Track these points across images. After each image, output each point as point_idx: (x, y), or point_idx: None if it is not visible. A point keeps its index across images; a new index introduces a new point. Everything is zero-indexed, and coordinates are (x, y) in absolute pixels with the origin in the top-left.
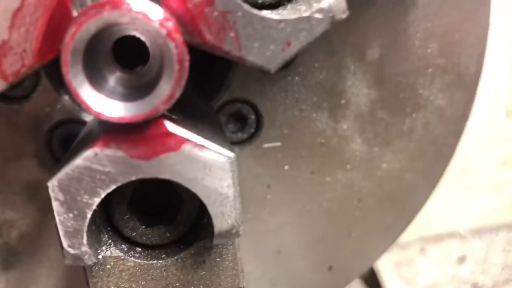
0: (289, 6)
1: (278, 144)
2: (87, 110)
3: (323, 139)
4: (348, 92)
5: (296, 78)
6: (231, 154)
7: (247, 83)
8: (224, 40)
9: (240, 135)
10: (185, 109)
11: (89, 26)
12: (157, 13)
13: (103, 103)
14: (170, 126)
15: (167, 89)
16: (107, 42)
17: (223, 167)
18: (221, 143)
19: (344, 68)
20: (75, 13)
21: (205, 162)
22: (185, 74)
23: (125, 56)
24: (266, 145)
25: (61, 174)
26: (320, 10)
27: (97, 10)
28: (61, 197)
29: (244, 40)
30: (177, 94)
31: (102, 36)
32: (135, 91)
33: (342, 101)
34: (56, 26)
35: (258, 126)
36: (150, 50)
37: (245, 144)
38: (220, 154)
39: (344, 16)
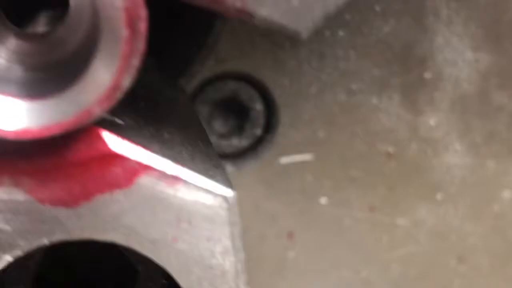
0: None
1: (307, 157)
2: None
3: (392, 146)
4: (437, 58)
5: (341, 32)
6: (229, 192)
7: (247, 43)
8: None
9: (237, 142)
10: (138, 103)
11: None
12: None
13: None
14: (114, 141)
15: (107, 75)
16: None
17: (214, 216)
18: (207, 168)
19: (430, 13)
20: None
21: (180, 209)
22: (141, 45)
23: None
24: (285, 160)
25: None
26: None
27: None
28: None
29: None
30: (126, 82)
31: None
32: (46, 75)
33: (427, 75)
34: None
35: (270, 124)
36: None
37: (246, 159)
38: (209, 192)
39: None
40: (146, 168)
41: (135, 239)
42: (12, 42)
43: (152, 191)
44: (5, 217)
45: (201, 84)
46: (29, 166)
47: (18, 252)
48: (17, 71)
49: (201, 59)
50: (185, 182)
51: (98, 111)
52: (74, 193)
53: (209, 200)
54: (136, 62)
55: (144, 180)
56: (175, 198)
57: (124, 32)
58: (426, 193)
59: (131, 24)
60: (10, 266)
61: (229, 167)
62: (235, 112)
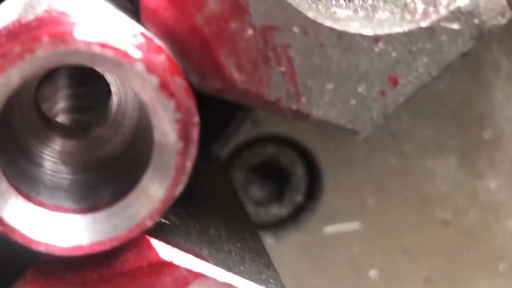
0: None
1: (354, 226)
2: (10, 235)
3: (449, 213)
4: (497, 116)
5: None
6: None
7: None
8: (267, 82)
9: (276, 209)
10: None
11: (10, 77)
12: (136, 44)
13: (40, 220)
14: (163, 248)
15: (161, 189)
16: (30, 85)
17: None
18: (258, 269)
19: (489, 67)
20: None
21: None
22: (194, 151)
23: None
24: (329, 230)
25: None
26: (456, 13)
27: (24, 46)
28: None
29: (305, 79)
30: (178, 192)
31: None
32: (94, 180)
33: (486, 134)
34: None
35: (313, 191)
36: (115, 95)
37: (286, 228)
38: None
39: (503, 20)
40: (197, 276)
41: None
42: (57, 142)
43: None
44: None
45: (237, 148)
46: (77, 278)
47: None
48: (65, 174)
49: (236, 121)
50: None
51: (150, 224)
52: None
53: None
54: (189, 170)
55: None
56: None
57: (179, 144)
58: (487, 263)
59: (185, 135)
60: None
61: (268, 238)
62: (274, 177)
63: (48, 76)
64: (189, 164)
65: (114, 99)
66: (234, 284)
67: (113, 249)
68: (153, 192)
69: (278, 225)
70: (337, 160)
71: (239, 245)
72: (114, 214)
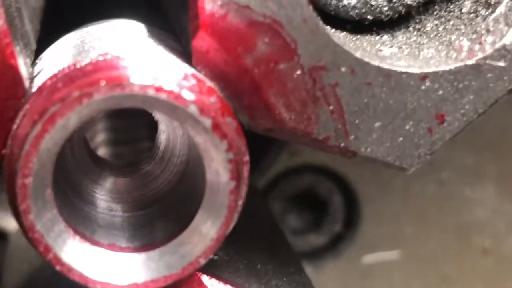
0: (428, 33)
1: (393, 255)
2: (67, 275)
3: (489, 241)
4: None
5: None
6: None
7: None
8: (316, 121)
9: (314, 239)
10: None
11: (68, 121)
12: (189, 86)
13: (96, 259)
14: (214, 285)
15: (213, 228)
16: (82, 128)
17: None
18: None
19: None
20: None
21: None
22: (245, 189)
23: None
24: (368, 259)
25: None
26: (501, 51)
27: (82, 90)
28: None
29: (353, 118)
30: (230, 229)
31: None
32: (146, 218)
33: None
34: None
35: (351, 220)
36: (163, 133)
37: (324, 258)
38: None
39: None
40: None
41: None
42: (107, 180)
43: None
44: None
45: (274, 178)
46: None
47: None
48: (117, 212)
49: (273, 152)
50: None
51: (203, 262)
52: None
53: None
54: (240, 208)
55: None
56: None
57: (231, 184)
58: None
59: (237, 174)
60: None
61: (306, 267)
62: (312, 206)
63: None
64: (240, 203)
65: (162, 136)
66: None
67: (165, 286)
68: (205, 231)
69: (316, 255)
70: (375, 189)
71: (286, 279)
72: (168, 253)
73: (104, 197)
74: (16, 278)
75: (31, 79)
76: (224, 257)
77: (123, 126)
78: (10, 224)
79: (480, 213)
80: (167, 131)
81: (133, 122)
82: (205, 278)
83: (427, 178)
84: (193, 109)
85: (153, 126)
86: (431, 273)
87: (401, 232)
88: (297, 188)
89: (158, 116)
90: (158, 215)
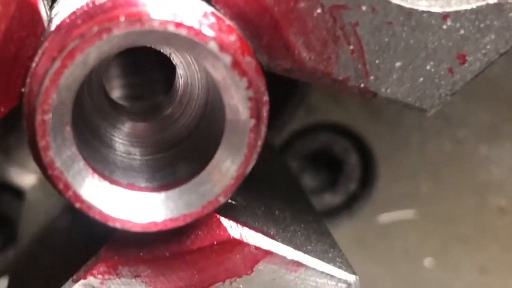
0: None
1: (409, 214)
2: (87, 212)
3: (505, 200)
4: None
5: None
6: (351, 277)
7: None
8: (336, 61)
9: (330, 198)
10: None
11: (88, 56)
12: (209, 24)
13: (115, 197)
14: (233, 226)
15: (233, 166)
16: (99, 69)
17: None
18: (325, 249)
19: None
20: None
21: None
22: (264, 130)
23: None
24: (384, 218)
25: None
26: None
27: (101, 26)
28: None
29: (373, 57)
30: (249, 169)
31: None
32: (165, 160)
33: None
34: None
35: (367, 179)
36: (181, 77)
37: (340, 217)
38: (331, 277)
39: None
40: (266, 253)
41: None
42: (126, 125)
43: (272, 278)
44: None
45: (290, 136)
46: (148, 255)
47: None
48: (136, 155)
49: (290, 109)
50: (306, 267)
51: (223, 201)
52: (194, 283)
53: (332, 285)
54: (259, 148)
55: (264, 266)
56: (297, 285)
57: (251, 122)
58: None
59: (257, 113)
60: None
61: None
62: (328, 165)
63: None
64: (260, 142)
65: (180, 81)
66: (303, 262)
67: (184, 228)
68: (225, 169)
69: (331, 214)
70: (391, 147)
71: (303, 226)
72: (187, 192)
73: (122, 141)
74: (32, 228)
75: (49, 20)
76: (243, 202)
77: (138, 83)
78: (26, 180)
79: (497, 172)
80: (185, 75)
81: (148, 78)
82: (224, 220)
83: (444, 137)
84: (213, 45)
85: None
86: (447, 233)
87: (417, 191)
88: (313, 147)
89: (176, 60)
90: (177, 157)
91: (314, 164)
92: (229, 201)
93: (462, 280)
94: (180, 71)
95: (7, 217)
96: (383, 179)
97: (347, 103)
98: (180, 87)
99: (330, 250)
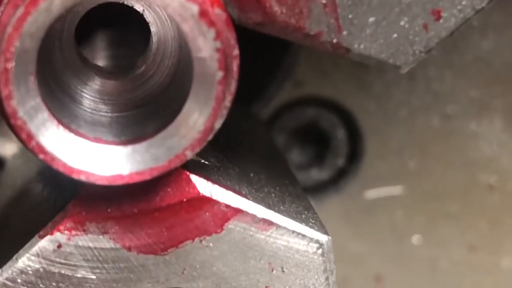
0: None
1: (397, 190)
2: (51, 164)
3: (494, 177)
4: None
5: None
6: (323, 237)
7: (329, 64)
8: (308, 15)
9: (316, 173)
10: (218, 139)
11: (52, 3)
12: None
13: (80, 149)
14: (203, 184)
15: (201, 118)
16: (70, 24)
17: (309, 263)
18: (298, 211)
19: None
20: None
21: (272, 255)
22: (234, 85)
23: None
24: (371, 194)
25: None
26: None
27: None
28: None
29: (346, 12)
30: (218, 124)
31: (62, 14)
32: (133, 116)
33: None
34: None
35: (354, 154)
36: (155, 35)
37: (327, 193)
38: (302, 236)
39: None
40: (237, 211)
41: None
42: (96, 82)
43: (243, 237)
44: (91, 265)
45: (277, 110)
46: (116, 212)
47: None
48: (105, 112)
49: (276, 82)
50: (277, 226)
51: (190, 155)
52: (162, 240)
53: (303, 245)
54: (228, 103)
55: (234, 225)
56: (267, 244)
57: (219, 74)
58: None
59: (225, 65)
60: None
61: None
62: (315, 140)
63: (87, 36)
64: (229, 97)
65: (154, 39)
66: (274, 220)
67: (152, 184)
68: (193, 123)
69: (318, 189)
70: (379, 123)
71: (278, 188)
72: (154, 145)
73: (92, 98)
74: (9, 192)
75: None
76: (216, 163)
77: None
78: (8, 150)
79: (486, 149)
80: (158, 33)
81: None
82: (193, 177)
83: (432, 112)
84: (190, 7)
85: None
86: (435, 210)
87: (404, 167)
88: (300, 121)
89: (149, 17)
90: (147, 114)
91: (301, 139)
92: (202, 161)
93: (451, 258)
94: (153, 29)
95: None
96: (370, 155)
97: (335, 77)
98: (153, 45)
99: (304, 212)
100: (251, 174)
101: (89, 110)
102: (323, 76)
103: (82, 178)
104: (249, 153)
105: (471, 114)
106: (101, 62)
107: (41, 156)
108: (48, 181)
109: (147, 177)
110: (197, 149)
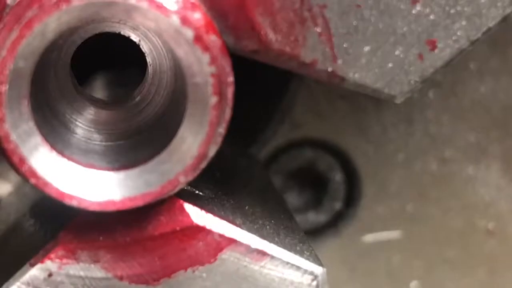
0: None
1: (394, 234)
2: (43, 189)
3: (493, 222)
4: None
5: (431, 94)
6: (318, 269)
7: (326, 106)
8: (303, 43)
9: (314, 217)
10: (214, 173)
11: (46, 27)
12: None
13: (73, 175)
14: (197, 213)
15: (194, 144)
16: (66, 54)
17: None
18: (293, 243)
19: None
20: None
21: (267, 286)
22: (228, 112)
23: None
24: (369, 238)
25: None
26: None
27: None
28: None
29: (341, 41)
30: (212, 151)
31: (58, 42)
32: (128, 144)
33: None
34: None
35: (352, 197)
36: (151, 65)
37: (324, 236)
38: (297, 268)
39: None
40: (230, 241)
41: None
42: (91, 111)
43: (236, 267)
44: None
45: (274, 152)
46: (109, 240)
47: None
48: (99, 141)
49: (273, 124)
50: (271, 257)
51: (183, 182)
52: (155, 270)
53: (298, 277)
54: (222, 130)
55: (228, 255)
56: (261, 275)
57: (213, 99)
58: None
59: (220, 91)
60: None
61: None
62: (312, 183)
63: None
64: (223, 123)
65: (150, 69)
66: (268, 251)
67: (145, 213)
68: (186, 148)
69: (315, 233)
70: (377, 166)
71: (273, 221)
72: (147, 171)
73: (86, 127)
74: (2, 227)
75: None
76: (211, 195)
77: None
78: (3, 190)
79: (484, 193)
80: (154, 63)
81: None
82: (187, 206)
83: (430, 156)
84: (175, 19)
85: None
86: (433, 255)
87: (402, 211)
88: (297, 163)
89: (145, 47)
90: (141, 143)
91: (298, 181)
92: (196, 191)
93: None
94: (149, 59)
95: None
96: (368, 199)
97: (332, 119)
98: (149, 76)
99: (298, 244)
100: (246, 207)
101: (82, 139)
102: (320, 118)
103: (74, 203)
104: (245, 188)
105: (469, 159)
106: (96, 92)
107: (33, 181)
108: (41, 213)
109: (139, 203)
110: (190, 176)
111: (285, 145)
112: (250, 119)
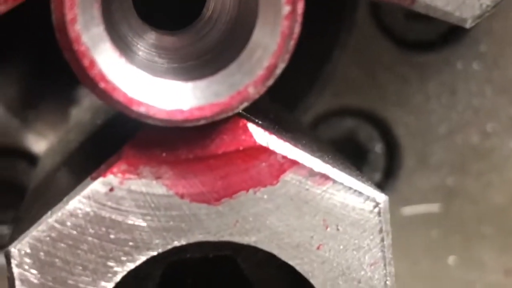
0: None
1: (434, 208)
2: (111, 94)
3: None
4: None
5: (475, 65)
6: (381, 197)
7: (368, 75)
8: None
9: None
10: (268, 114)
11: None
12: None
13: (141, 82)
14: (260, 133)
15: (265, 54)
16: None
17: (364, 222)
18: (353, 174)
19: None
20: None
21: (327, 212)
22: (298, 27)
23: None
24: (407, 211)
25: (35, 232)
26: None
27: None
28: (32, 277)
29: None
30: (281, 66)
31: None
32: (190, 68)
33: None
34: None
35: (392, 169)
36: None
37: None
38: (359, 194)
39: None
40: (293, 163)
41: (277, 243)
42: (153, 37)
43: (298, 190)
44: (142, 212)
45: (314, 120)
46: (171, 157)
47: (153, 253)
48: (161, 64)
49: (314, 92)
50: (334, 181)
51: (252, 94)
52: (216, 189)
53: (359, 203)
54: (291, 46)
55: (290, 177)
56: (323, 200)
57: (286, 8)
58: None
59: (292, 2)
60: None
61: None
62: (351, 153)
63: None
64: (293, 37)
65: None
66: (331, 175)
67: (208, 131)
68: (256, 59)
69: None
70: (418, 137)
71: (331, 156)
72: (216, 82)
73: (148, 51)
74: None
75: None
76: (270, 125)
77: None
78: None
79: None
80: None
81: None
82: (251, 126)
83: (472, 129)
84: None
85: None
86: (471, 230)
87: (442, 184)
88: (337, 133)
89: None
90: (207, 62)
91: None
92: (257, 120)
93: (486, 281)
94: None
95: (22, 186)
96: (408, 170)
97: (374, 89)
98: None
99: (359, 175)
100: (303, 142)
101: (145, 61)
102: (361, 87)
103: (142, 110)
104: (298, 130)
105: (511, 133)
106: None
107: (102, 85)
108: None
109: (207, 113)
110: (260, 88)
111: (325, 114)
112: (291, 87)
